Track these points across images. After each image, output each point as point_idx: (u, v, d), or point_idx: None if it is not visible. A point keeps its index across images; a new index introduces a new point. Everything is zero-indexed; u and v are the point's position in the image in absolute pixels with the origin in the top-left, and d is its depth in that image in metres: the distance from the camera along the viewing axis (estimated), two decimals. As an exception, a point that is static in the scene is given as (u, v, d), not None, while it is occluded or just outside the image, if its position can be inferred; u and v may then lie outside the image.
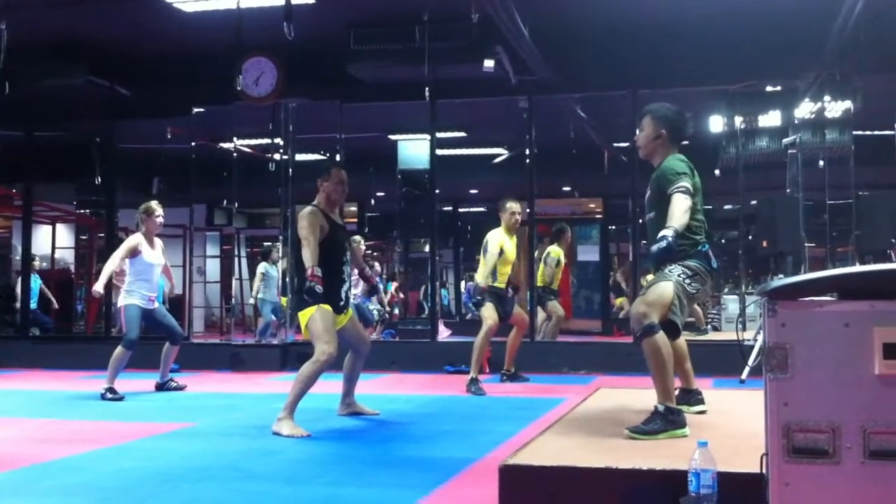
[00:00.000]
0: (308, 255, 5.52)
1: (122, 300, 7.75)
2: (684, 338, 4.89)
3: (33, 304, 12.23)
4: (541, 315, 10.47)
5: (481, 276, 8.00)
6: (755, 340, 7.72)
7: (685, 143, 4.82)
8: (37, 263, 12.99)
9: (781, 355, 2.81)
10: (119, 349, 7.52)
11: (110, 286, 9.71)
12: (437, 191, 10.80)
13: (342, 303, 5.80)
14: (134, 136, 12.06)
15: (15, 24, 8.18)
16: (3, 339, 11.68)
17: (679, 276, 4.42)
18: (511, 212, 8.06)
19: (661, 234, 4.20)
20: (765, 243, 9.08)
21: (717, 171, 11.04)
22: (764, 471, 2.84)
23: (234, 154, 11.99)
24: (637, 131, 4.79)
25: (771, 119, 10.20)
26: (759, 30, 8.69)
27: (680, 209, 4.28)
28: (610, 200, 15.72)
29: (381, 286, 14.71)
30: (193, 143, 11.02)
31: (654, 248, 4.22)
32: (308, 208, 5.78)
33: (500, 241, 7.99)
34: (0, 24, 8.08)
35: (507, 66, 9.08)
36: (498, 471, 3.48)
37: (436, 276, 11.37)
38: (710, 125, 10.60)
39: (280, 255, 11.44)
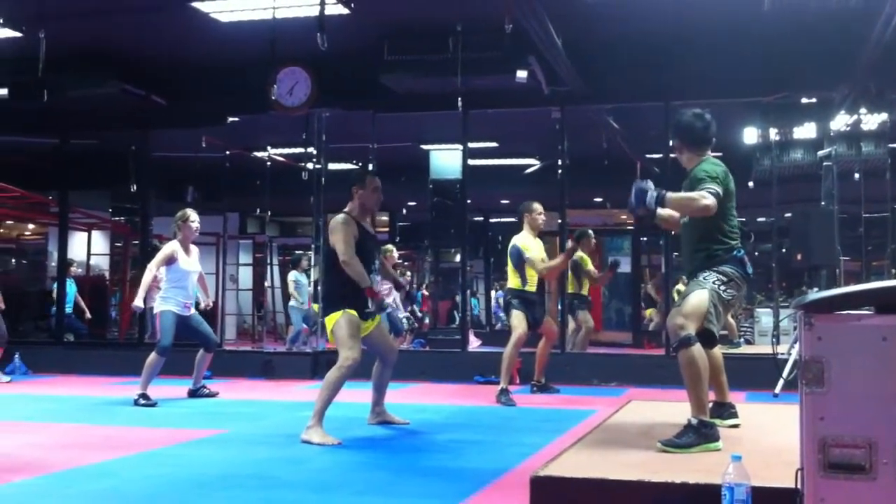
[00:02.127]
0: (357, 274, 5.59)
1: (157, 306, 7.81)
2: (720, 351, 4.85)
3: (69, 309, 12.36)
4: (570, 326, 10.42)
5: (516, 281, 8.00)
6: (789, 354, 7.65)
7: (719, 154, 4.79)
8: (74, 269, 13.12)
9: (817, 369, 2.78)
10: (153, 355, 7.57)
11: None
12: (469, 201, 10.79)
13: (369, 309, 5.82)
14: (169, 144, 12.17)
15: (52, 35, 8.31)
16: (37, 344, 11.80)
17: (714, 283, 4.39)
18: (538, 212, 8.06)
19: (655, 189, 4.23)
20: (799, 256, 8.96)
21: (750, 183, 10.95)
22: (799, 486, 2.81)
23: (268, 163, 12.07)
24: None
25: (806, 131, 10.10)
26: (794, 41, 8.62)
27: (689, 198, 4.26)
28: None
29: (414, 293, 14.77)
30: (227, 152, 11.11)
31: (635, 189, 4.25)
32: (340, 217, 5.80)
33: (525, 244, 7.97)
34: (38, 34, 8.22)
35: (539, 76, 9.07)
36: (529, 482, 3.46)
37: (466, 286, 11.35)
38: (745, 137, 10.52)
39: (312, 263, 11.49)
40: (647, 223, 4.62)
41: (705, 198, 4.25)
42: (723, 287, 4.41)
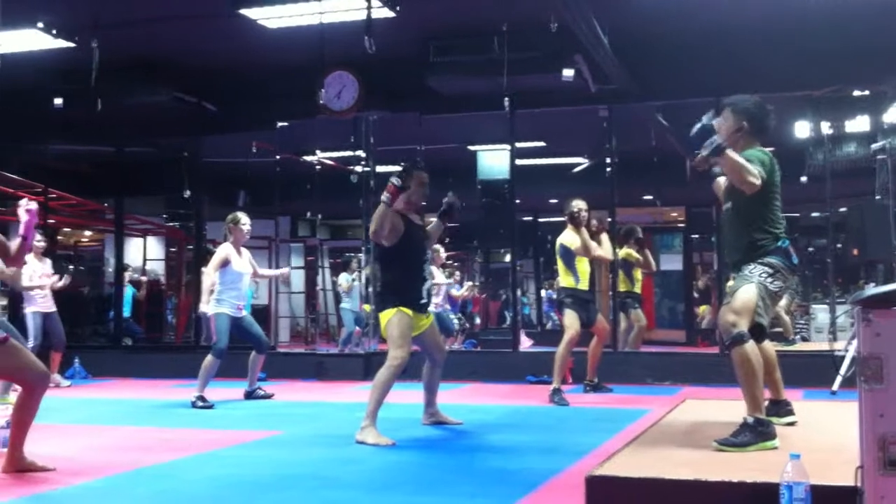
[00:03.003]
0: (379, 216, 5.62)
1: (211, 309, 7.92)
2: (773, 348, 4.81)
3: (126, 313, 12.59)
4: (621, 325, 10.36)
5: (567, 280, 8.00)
6: (847, 350, 7.54)
7: (771, 148, 4.74)
8: (129, 274, 13.38)
9: (876, 365, 2.75)
10: (209, 358, 7.69)
11: (199, 293, 9.97)
12: (517, 201, 10.79)
13: (423, 300, 5.85)
14: (220, 150, 12.33)
15: (105, 44, 8.48)
16: (96, 349, 12.03)
17: (760, 275, 4.35)
18: (578, 209, 8.02)
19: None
20: (855, 251, 8.82)
21: (803, 178, 10.79)
22: (859, 484, 2.78)
23: (317, 167, 12.15)
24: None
25: (859, 124, 9.93)
26: (845, 33, 8.48)
27: (744, 166, 4.21)
28: (692, 209, 15.51)
29: (456, 289, 14.77)
30: (278, 157, 11.23)
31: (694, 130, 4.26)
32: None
33: (570, 240, 7.95)
34: (91, 43, 8.40)
35: (586, 74, 9.03)
36: (584, 482, 3.46)
37: (516, 285, 11.35)
38: (796, 131, 10.38)
39: (363, 264, 11.56)
40: (699, 168, 4.56)
41: (755, 176, 4.22)
42: (769, 279, 4.36)
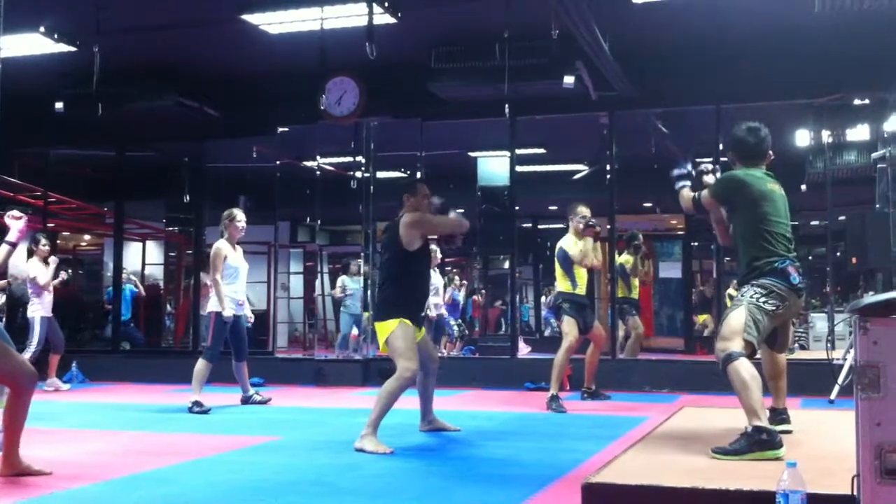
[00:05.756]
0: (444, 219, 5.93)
1: (211, 306, 7.90)
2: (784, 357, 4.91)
3: (126, 316, 12.57)
4: (620, 332, 10.36)
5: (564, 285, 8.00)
6: (845, 359, 7.54)
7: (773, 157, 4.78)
8: (125, 276, 13.37)
9: (873, 374, 2.75)
10: (201, 362, 7.66)
11: (199, 298, 9.96)
12: (517, 207, 10.80)
13: (423, 314, 5.89)
14: (221, 155, 12.35)
15: (107, 49, 8.50)
16: (95, 353, 12.02)
17: (752, 297, 4.43)
18: (581, 215, 8.01)
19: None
20: (854, 260, 8.84)
21: (803, 187, 10.81)
22: (855, 493, 2.78)
23: (318, 172, 12.16)
24: None
25: (859, 133, 9.97)
26: (846, 42, 8.50)
27: (684, 194, 5.03)
28: (693, 217, 15.49)
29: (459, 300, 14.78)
30: (278, 162, 11.25)
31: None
32: (410, 215, 5.85)
33: (568, 246, 7.95)
34: (93, 48, 8.42)
35: (587, 81, 9.05)
36: (581, 489, 3.47)
37: (515, 292, 11.35)
38: (797, 139, 10.40)
39: (361, 268, 11.54)
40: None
41: (689, 203, 4.94)
42: (762, 299, 4.43)
